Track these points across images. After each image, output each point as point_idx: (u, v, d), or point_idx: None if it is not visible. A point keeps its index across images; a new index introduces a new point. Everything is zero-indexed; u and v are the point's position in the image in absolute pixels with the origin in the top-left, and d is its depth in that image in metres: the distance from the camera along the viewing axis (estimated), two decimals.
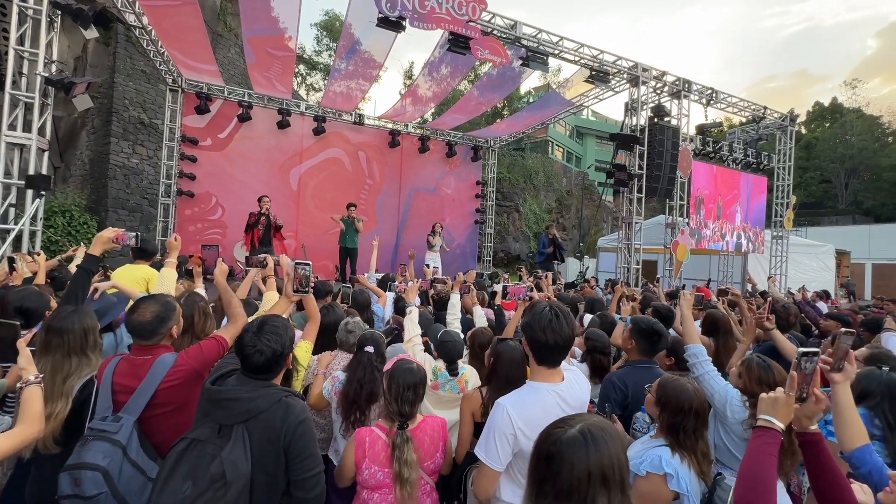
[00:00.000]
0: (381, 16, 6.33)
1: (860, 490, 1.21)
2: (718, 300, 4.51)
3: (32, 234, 5.54)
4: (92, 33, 5.45)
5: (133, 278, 3.63)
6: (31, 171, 5.30)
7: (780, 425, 1.20)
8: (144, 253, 3.85)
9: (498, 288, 4.38)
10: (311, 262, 2.02)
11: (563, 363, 1.67)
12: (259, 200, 7.97)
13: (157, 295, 1.96)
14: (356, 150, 11.76)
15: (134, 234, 2.61)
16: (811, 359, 1.27)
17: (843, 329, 1.43)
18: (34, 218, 5.47)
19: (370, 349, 2.26)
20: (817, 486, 1.24)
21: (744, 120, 12.20)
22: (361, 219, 9.03)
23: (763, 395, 1.26)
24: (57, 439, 1.65)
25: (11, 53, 4.99)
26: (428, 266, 5.95)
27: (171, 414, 1.70)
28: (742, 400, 1.83)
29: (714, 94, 10.37)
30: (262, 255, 2.74)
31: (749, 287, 10.17)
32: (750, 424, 1.74)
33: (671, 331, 3.28)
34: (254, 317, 2.19)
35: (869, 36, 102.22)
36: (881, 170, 31.70)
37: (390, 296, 4.28)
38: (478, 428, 2.06)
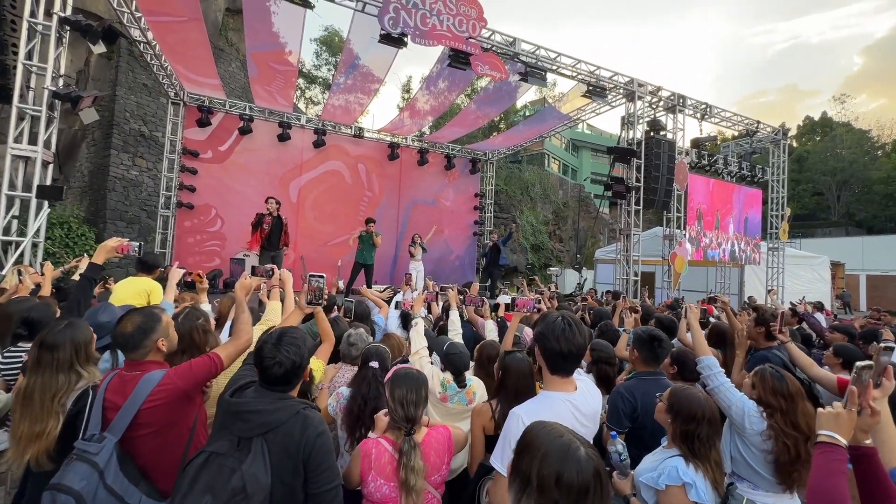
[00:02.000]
0: (383, 32, 6.46)
1: None
2: (720, 311, 4.54)
3: (34, 246, 5.53)
4: (100, 48, 5.53)
5: (134, 290, 3.64)
6: (36, 184, 5.31)
7: (844, 441, 1.17)
8: (146, 265, 3.87)
9: (504, 300, 4.39)
10: (325, 275, 2.03)
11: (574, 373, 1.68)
12: (266, 201, 7.71)
13: (145, 307, 1.93)
14: (356, 163, 11.87)
15: (137, 244, 2.62)
16: (868, 371, 1.27)
17: (883, 344, 1.41)
18: (37, 230, 5.47)
19: (375, 364, 2.22)
20: (867, 503, 1.21)
21: (737, 134, 12.41)
22: (379, 233, 8.94)
23: (821, 410, 1.24)
24: (51, 455, 1.62)
25: (20, 68, 5.05)
26: (410, 275, 5.98)
27: (153, 436, 1.61)
28: (759, 411, 1.82)
29: (708, 109, 10.57)
30: (270, 266, 2.72)
31: (746, 300, 10.24)
32: (769, 435, 1.74)
33: (674, 341, 3.32)
34: (257, 326, 2.18)
35: (854, 53, 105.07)
36: (871, 182, 32.23)
37: (394, 313, 4.29)
38: (488, 441, 2.06)
